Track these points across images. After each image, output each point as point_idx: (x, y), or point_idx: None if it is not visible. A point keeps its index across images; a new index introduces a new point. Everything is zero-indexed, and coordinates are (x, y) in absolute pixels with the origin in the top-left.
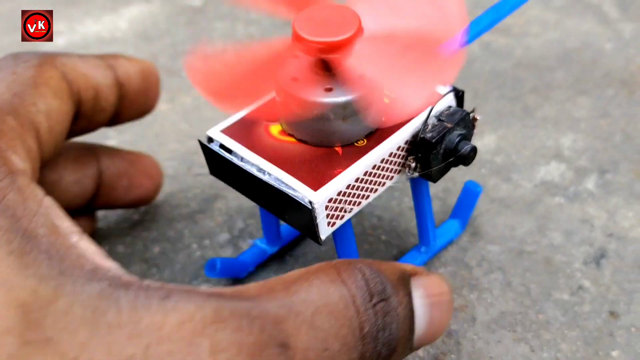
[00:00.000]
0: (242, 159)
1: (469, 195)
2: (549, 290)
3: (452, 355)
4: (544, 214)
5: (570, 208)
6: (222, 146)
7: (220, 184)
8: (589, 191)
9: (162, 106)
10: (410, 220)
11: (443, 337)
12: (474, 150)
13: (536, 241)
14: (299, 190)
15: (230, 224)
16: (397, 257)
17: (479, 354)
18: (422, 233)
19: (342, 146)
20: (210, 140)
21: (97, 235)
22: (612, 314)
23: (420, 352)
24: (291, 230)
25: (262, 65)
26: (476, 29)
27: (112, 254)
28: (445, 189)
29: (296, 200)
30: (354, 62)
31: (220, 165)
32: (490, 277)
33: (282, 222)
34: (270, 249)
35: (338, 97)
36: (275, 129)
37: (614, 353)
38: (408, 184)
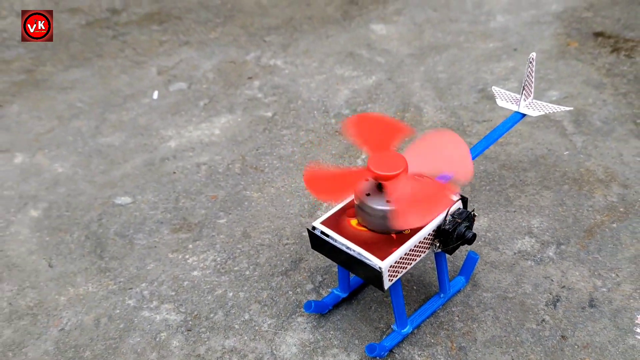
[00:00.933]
0: (335, 241)
1: (471, 261)
2: (523, 322)
3: None
4: (520, 272)
5: (537, 268)
6: (322, 232)
7: (303, 250)
8: (550, 257)
9: (254, 194)
10: (431, 277)
11: (456, 350)
12: (474, 236)
13: (514, 290)
14: (372, 260)
15: (313, 278)
16: (424, 301)
17: None
18: (441, 285)
19: (396, 233)
20: (314, 228)
21: (232, 284)
22: (563, 337)
23: (441, 358)
24: (356, 281)
25: (348, 178)
26: (478, 150)
27: (236, 298)
28: (453, 255)
29: (371, 266)
30: (398, 187)
31: (319, 244)
32: (485, 313)
33: (351, 275)
34: (343, 294)
35: (390, 206)
36: (354, 222)
37: None
38: (432, 255)
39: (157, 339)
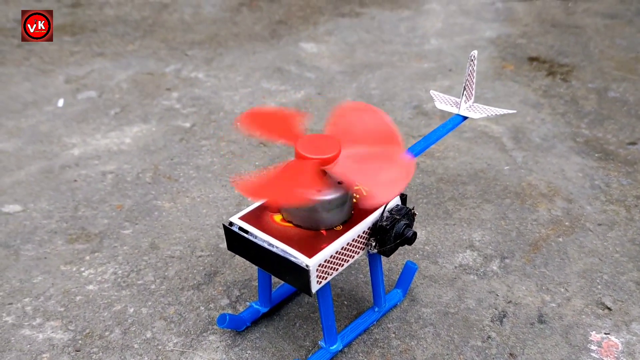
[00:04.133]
0: (255, 237)
1: (409, 271)
2: (467, 340)
3: None
4: (462, 287)
5: (481, 283)
6: (240, 228)
7: (219, 263)
8: (494, 271)
9: (165, 204)
10: (364, 291)
11: None
12: (415, 234)
13: (457, 305)
14: (299, 257)
15: (229, 293)
16: (356, 316)
17: None
18: (375, 297)
19: (326, 230)
20: (231, 224)
21: (134, 299)
22: (512, 354)
23: None
24: (279, 295)
25: (278, 175)
26: (416, 150)
27: (138, 314)
28: (389, 269)
29: (297, 264)
30: (336, 172)
31: (237, 243)
32: (425, 330)
33: (273, 289)
34: (263, 309)
35: (325, 196)
36: (277, 217)
37: None
38: (361, 263)
39: None
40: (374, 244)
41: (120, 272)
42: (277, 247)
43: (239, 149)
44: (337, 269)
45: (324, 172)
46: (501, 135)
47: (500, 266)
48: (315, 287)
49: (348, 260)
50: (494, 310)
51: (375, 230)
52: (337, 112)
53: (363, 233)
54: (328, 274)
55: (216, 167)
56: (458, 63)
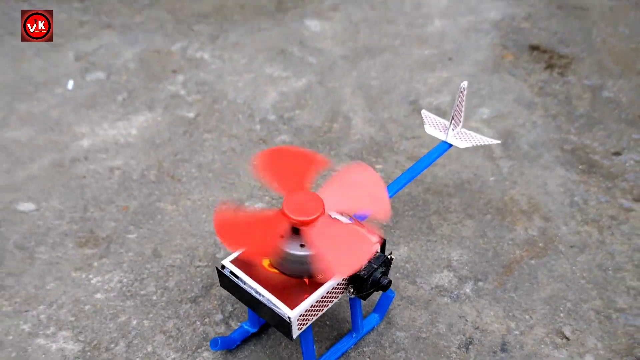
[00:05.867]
0: (244, 283)
1: (386, 298)
2: None
3: None
4: (435, 310)
5: (453, 306)
6: (231, 272)
7: (215, 275)
8: (467, 294)
9: (168, 207)
10: (345, 311)
11: None
12: (389, 282)
13: (429, 330)
14: (282, 309)
15: (223, 307)
16: (336, 337)
17: None
18: (354, 325)
19: (308, 278)
20: (223, 267)
21: (137, 310)
22: None
23: None
24: None
25: (263, 225)
26: (398, 186)
27: (140, 326)
28: None
29: (280, 315)
30: (316, 233)
31: (229, 283)
32: (397, 354)
33: None
34: (252, 330)
35: (307, 252)
36: (265, 263)
37: None
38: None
39: None
40: (351, 290)
41: (125, 280)
42: (263, 296)
43: (240, 145)
44: (317, 314)
45: (295, 231)
46: None
47: (473, 289)
48: (296, 333)
49: (328, 305)
50: (462, 336)
51: (353, 279)
52: (336, 174)
53: (342, 281)
54: (308, 320)
55: (217, 165)
56: (459, 50)
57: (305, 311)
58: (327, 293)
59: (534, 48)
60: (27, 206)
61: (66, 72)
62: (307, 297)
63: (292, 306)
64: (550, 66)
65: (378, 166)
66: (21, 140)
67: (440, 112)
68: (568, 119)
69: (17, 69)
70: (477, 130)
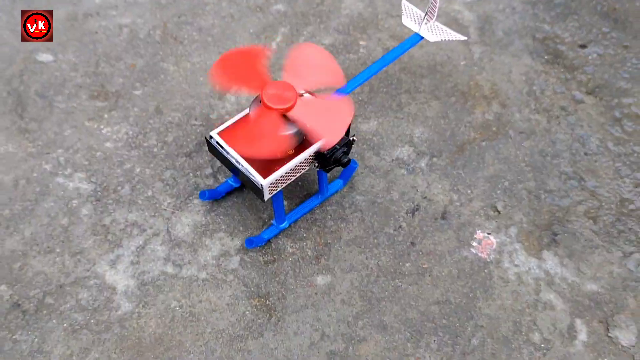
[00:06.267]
0: (228, 153)
1: (350, 168)
2: (383, 227)
3: (325, 257)
4: (392, 180)
5: (408, 178)
6: (217, 143)
7: (207, 134)
8: (421, 168)
9: (170, 67)
10: (314, 175)
11: (322, 245)
12: (349, 161)
13: (383, 196)
14: (256, 177)
15: (213, 163)
16: (305, 197)
17: (340, 257)
18: (320, 187)
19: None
20: (211, 137)
21: (140, 160)
22: (412, 243)
23: (308, 252)
24: None
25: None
26: (351, 87)
27: (143, 174)
28: None
29: (255, 182)
30: (294, 114)
31: (215, 151)
32: (354, 215)
33: None
34: (235, 185)
35: (295, 128)
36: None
37: (407, 264)
38: None
39: (69, 206)
40: (316, 164)
41: (131, 132)
42: (242, 165)
43: (238, 12)
44: (286, 182)
45: (284, 116)
46: (469, 25)
47: (427, 164)
48: (267, 197)
49: (295, 176)
50: (411, 203)
51: (317, 156)
52: (290, 57)
53: (309, 157)
54: (278, 187)
55: (216, 30)
56: None
57: (275, 180)
58: (295, 166)
59: None
60: (45, 57)
61: None
62: (278, 168)
63: (265, 175)
64: None
65: (362, 42)
66: None
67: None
68: (546, 7)
69: None
70: (457, 12)
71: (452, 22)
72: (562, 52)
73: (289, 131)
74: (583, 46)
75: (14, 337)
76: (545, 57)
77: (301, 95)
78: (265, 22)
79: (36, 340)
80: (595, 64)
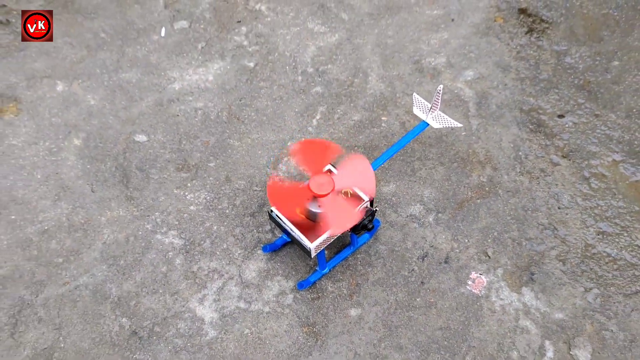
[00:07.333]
0: (284, 223)
1: (375, 224)
2: (400, 270)
3: (357, 294)
4: (407, 232)
5: (419, 230)
6: (277, 215)
7: (266, 197)
8: (429, 222)
9: (235, 143)
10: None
11: (354, 285)
12: (373, 226)
13: (400, 245)
14: (305, 241)
15: (271, 222)
16: (341, 247)
17: (368, 294)
18: (351, 241)
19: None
20: (272, 211)
21: (217, 219)
22: (422, 282)
23: (344, 290)
24: None
25: (298, 192)
26: (377, 165)
27: (219, 231)
28: None
29: (305, 245)
30: (326, 202)
31: (274, 220)
32: (378, 261)
33: None
34: (288, 239)
35: (320, 210)
36: (297, 211)
37: (418, 299)
38: None
39: (167, 257)
40: (349, 230)
41: (208, 198)
42: (295, 232)
43: (286, 94)
44: (326, 243)
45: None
46: (469, 100)
47: (434, 218)
48: (313, 255)
49: (332, 239)
50: (421, 251)
51: None
52: (344, 161)
53: None
54: (321, 247)
55: (269, 110)
56: (461, 12)
57: (319, 243)
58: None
59: (522, 11)
60: (141, 137)
61: (158, 19)
62: (321, 235)
63: (312, 240)
64: (530, 30)
65: (383, 118)
66: (132, 81)
67: (436, 71)
68: (532, 82)
69: (123, 15)
70: (460, 90)
71: (455, 97)
72: (544, 122)
73: (315, 209)
74: (561, 116)
75: (134, 356)
76: (530, 126)
77: (339, 191)
78: (307, 102)
79: (150, 359)
80: (571, 131)
